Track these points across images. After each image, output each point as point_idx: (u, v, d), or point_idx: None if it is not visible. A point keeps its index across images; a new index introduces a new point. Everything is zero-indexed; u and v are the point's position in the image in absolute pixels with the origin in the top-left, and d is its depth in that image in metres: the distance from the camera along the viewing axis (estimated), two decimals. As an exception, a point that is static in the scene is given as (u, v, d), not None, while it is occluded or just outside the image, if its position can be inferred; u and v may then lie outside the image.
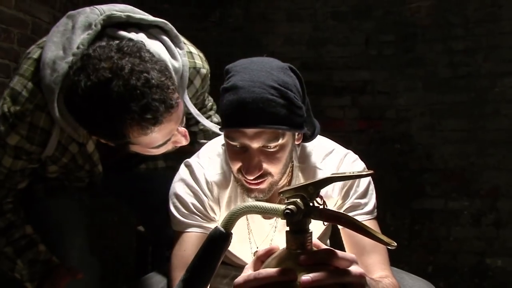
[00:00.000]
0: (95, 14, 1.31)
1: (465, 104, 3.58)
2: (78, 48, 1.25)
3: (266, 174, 1.21)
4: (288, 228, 0.88)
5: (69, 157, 1.41)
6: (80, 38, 1.26)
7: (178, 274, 1.24)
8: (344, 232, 1.32)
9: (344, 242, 1.32)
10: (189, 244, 1.30)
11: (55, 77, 1.24)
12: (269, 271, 0.84)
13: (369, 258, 1.25)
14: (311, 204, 0.86)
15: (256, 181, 1.20)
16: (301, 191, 0.86)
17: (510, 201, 3.48)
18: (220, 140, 1.41)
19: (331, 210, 0.88)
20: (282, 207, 0.85)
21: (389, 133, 3.75)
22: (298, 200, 0.85)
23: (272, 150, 1.18)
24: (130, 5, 1.31)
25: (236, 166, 1.22)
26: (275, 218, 1.37)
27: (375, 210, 1.33)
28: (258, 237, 1.41)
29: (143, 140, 1.23)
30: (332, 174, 1.00)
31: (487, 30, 3.50)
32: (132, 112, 1.12)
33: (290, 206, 0.84)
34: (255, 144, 1.17)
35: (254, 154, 1.18)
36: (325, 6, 3.90)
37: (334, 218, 0.87)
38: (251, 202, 0.88)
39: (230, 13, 3.94)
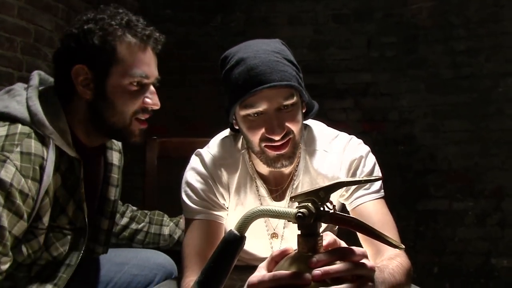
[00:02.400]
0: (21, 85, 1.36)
1: (468, 104, 3.58)
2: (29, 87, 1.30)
3: (289, 132, 1.27)
4: (299, 232, 0.90)
5: (55, 191, 1.27)
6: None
7: (191, 262, 1.30)
8: (352, 213, 1.36)
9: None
10: (200, 231, 1.35)
11: (28, 100, 1.26)
12: (283, 274, 0.86)
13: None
14: (321, 208, 0.88)
15: (281, 142, 1.26)
16: (312, 196, 0.88)
17: (514, 201, 3.48)
18: (228, 132, 1.48)
19: (341, 214, 0.90)
20: (294, 211, 0.87)
21: (392, 135, 3.75)
22: (309, 204, 0.87)
23: (288, 110, 1.26)
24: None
25: (257, 136, 1.27)
26: (287, 202, 1.42)
27: (382, 189, 1.38)
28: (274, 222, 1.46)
29: (138, 54, 1.30)
30: (341, 180, 1.01)
31: (489, 30, 3.50)
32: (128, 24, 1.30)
33: (302, 210, 0.86)
34: (274, 105, 1.24)
35: (274, 115, 1.24)
36: (326, 9, 3.91)
37: (344, 222, 0.89)
38: (264, 206, 0.92)
39: (232, 18, 3.96)
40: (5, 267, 1.11)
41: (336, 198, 1.42)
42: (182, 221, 1.73)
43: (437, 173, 3.64)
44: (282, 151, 1.27)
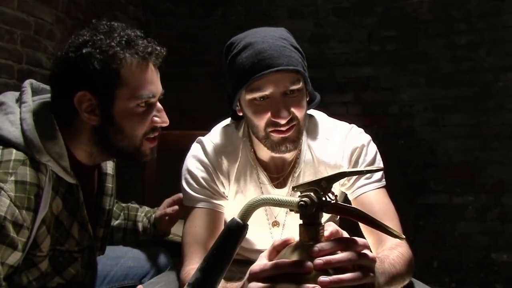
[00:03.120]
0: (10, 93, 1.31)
1: (468, 98, 3.58)
2: (23, 102, 1.24)
3: (294, 118, 1.27)
4: (301, 221, 0.91)
5: (57, 216, 1.25)
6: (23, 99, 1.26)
7: (190, 250, 1.31)
8: (354, 202, 1.38)
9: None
10: (200, 220, 1.36)
11: (26, 124, 1.19)
12: (285, 262, 0.87)
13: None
14: (323, 198, 0.89)
15: (287, 126, 1.26)
16: (314, 186, 0.90)
17: (515, 195, 3.48)
18: (230, 121, 1.48)
19: (343, 204, 0.91)
20: (297, 199, 0.89)
21: (392, 129, 3.75)
22: (312, 193, 0.88)
23: (294, 96, 1.27)
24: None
25: (263, 120, 1.27)
26: (289, 189, 1.42)
27: (384, 178, 1.39)
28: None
29: (142, 74, 1.24)
30: (343, 170, 1.02)
31: (489, 24, 3.49)
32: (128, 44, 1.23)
33: (304, 199, 0.88)
34: (280, 89, 1.25)
35: (281, 99, 1.25)
36: (326, 2, 3.90)
37: (345, 212, 0.90)
38: (267, 195, 0.91)
39: (232, 11, 3.95)
40: None
41: (337, 187, 1.42)
42: (155, 215, 1.70)
43: (437, 168, 3.64)
44: (287, 134, 1.28)
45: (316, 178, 0.90)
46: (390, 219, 1.31)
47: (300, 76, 1.27)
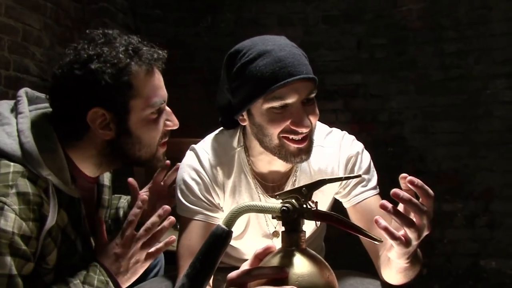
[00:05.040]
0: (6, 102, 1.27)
1: (457, 106, 3.59)
2: (20, 113, 1.19)
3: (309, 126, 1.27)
4: (283, 229, 0.93)
5: (63, 228, 1.21)
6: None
7: (184, 263, 1.29)
8: (352, 210, 1.39)
9: (353, 220, 1.38)
10: (194, 233, 1.34)
11: (23, 135, 1.15)
12: (262, 267, 0.90)
13: None
14: (304, 206, 0.92)
15: (303, 135, 1.26)
16: (295, 193, 0.92)
17: (503, 202, 3.50)
18: (223, 130, 1.47)
19: (322, 210, 0.93)
20: (279, 205, 0.91)
21: (382, 136, 3.76)
22: (293, 200, 0.91)
23: (310, 104, 1.27)
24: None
25: (280, 127, 1.26)
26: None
27: (377, 186, 1.41)
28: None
29: (152, 82, 1.22)
30: (322, 178, 1.04)
31: (478, 32, 3.52)
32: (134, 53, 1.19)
33: (286, 205, 0.90)
34: (301, 97, 1.24)
35: (301, 108, 1.25)
36: (316, 10, 3.91)
37: (326, 218, 0.93)
38: (250, 201, 0.93)
39: (222, 18, 3.95)
40: None
41: (331, 195, 1.43)
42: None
43: (427, 175, 3.65)
44: (302, 145, 1.27)
45: (297, 186, 0.93)
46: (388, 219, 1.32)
47: (315, 84, 1.28)
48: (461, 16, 3.58)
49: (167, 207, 1.26)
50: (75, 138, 1.21)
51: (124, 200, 1.69)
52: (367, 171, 1.41)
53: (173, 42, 3.86)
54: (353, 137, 1.47)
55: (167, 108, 1.30)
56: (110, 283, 1.20)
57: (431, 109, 3.68)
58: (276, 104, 1.23)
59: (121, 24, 3.52)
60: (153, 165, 1.32)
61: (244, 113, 1.31)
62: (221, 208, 1.41)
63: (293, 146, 1.27)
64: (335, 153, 1.42)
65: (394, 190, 0.93)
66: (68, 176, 1.18)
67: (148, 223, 1.25)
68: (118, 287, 1.22)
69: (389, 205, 0.95)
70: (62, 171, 1.17)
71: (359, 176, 1.06)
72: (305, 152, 1.29)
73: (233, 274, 0.90)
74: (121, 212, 1.65)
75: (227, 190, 1.41)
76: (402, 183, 0.95)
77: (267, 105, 1.24)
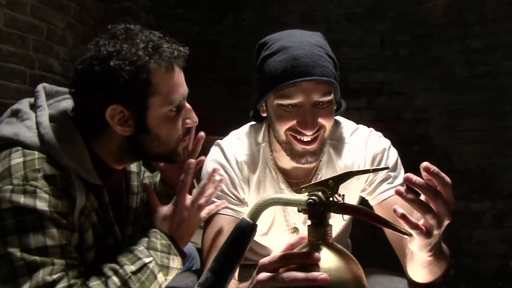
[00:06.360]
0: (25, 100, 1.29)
1: (484, 103, 3.52)
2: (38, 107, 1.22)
3: (320, 128, 1.25)
4: (309, 222, 0.92)
5: (95, 211, 1.23)
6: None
7: (209, 258, 1.29)
8: (377, 207, 1.37)
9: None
10: (220, 228, 1.33)
11: (42, 126, 1.18)
12: (293, 253, 0.90)
13: None
14: (331, 199, 0.90)
15: (311, 137, 1.24)
16: (322, 186, 0.90)
17: (533, 201, 3.41)
18: (249, 124, 1.47)
19: (349, 204, 0.91)
20: (305, 198, 0.89)
21: (406, 135, 3.70)
22: (319, 193, 0.90)
23: (323, 107, 1.24)
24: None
25: (286, 125, 1.25)
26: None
27: (404, 183, 1.35)
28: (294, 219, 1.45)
29: (171, 79, 1.21)
30: (349, 170, 1.02)
31: (505, 27, 3.44)
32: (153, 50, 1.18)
33: (313, 197, 0.88)
34: (310, 99, 1.22)
35: (309, 110, 1.23)
36: (339, 7, 3.89)
37: (353, 211, 0.91)
38: (276, 194, 0.92)
39: (244, 17, 3.95)
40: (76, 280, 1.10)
41: (357, 193, 1.41)
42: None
43: (453, 173, 3.54)
44: (309, 147, 1.26)
45: (324, 178, 0.91)
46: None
47: (332, 87, 1.25)
48: (487, 12, 3.50)
49: (191, 160, 1.33)
50: (96, 133, 1.23)
51: (153, 175, 1.66)
52: (394, 168, 1.37)
53: (195, 41, 3.85)
54: (380, 133, 1.45)
55: (187, 105, 1.29)
56: (172, 246, 1.24)
57: (457, 106, 3.61)
58: (284, 102, 1.23)
59: (143, 23, 3.53)
60: (172, 161, 1.32)
61: (263, 105, 1.32)
62: (246, 203, 1.41)
63: (300, 147, 1.26)
64: (362, 150, 1.39)
65: (407, 174, 0.89)
66: (89, 164, 1.19)
67: (201, 185, 1.31)
68: (180, 249, 1.26)
69: (404, 190, 0.91)
70: (82, 159, 1.18)
71: (387, 168, 1.03)
72: (312, 154, 1.27)
73: (264, 260, 0.89)
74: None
75: (252, 185, 1.40)
76: (423, 173, 0.91)
77: (277, 101, 1.24)
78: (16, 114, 1.23)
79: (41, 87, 1.29)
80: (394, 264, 1.36)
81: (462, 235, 3.55)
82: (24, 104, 1.26)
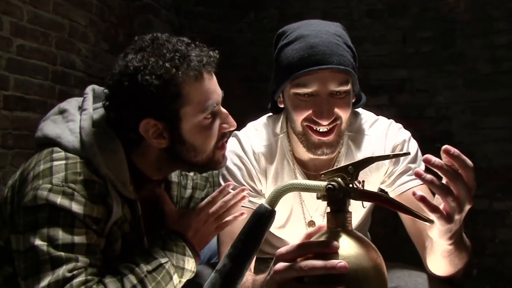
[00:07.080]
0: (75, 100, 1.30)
1: (508, 100, 3.46)
2: (84, 109, 1.23)
3: (337, 118, 1.24)
4: (329, 209, 0.90)
5: (128, 222, 1.24)
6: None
7: (226, 249, 1.27)
8: (397, 199, 1.32)
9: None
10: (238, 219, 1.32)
11: (84, 131, 1.19)
12: (311, 242, 0.87)
13: None
14: (350, 185, 0.88)
15: (327, 127, 1.23)
16: (341, 172, 0.89)
17: (558, 200, 3.34)
18: (266, 117, 1.46)
19: (370, 190, 0.89)
20: (324, 183, 0.88)
21: (429, 132, 3.65)
22: (339, 179, 0.88)
23: (340, 97, 1.23)
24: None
25: (302, 115, 1.24)
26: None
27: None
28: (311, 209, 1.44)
29: (202, 87, 1.18)
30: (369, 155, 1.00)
31: (530, 23, 3.38)
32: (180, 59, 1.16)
33: (332, 183, 0.87)
34: (327, 88, 1.21)
35: (326, 99, 1.22)
36: (360, 4, 3.87)
37: (373, 197, 0.89)
38: (295, 180, 0.93)
39: (265, 14, 3.95)
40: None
41: (377, 185, 1.40)
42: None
43: (476, 171, 3.48)
44: (325, 138, 1.25)
45: (344, 164, 0.89)
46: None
47: (350, 77, 1.23)
48: (512, 7, 3.44)
49: (229, 183, 1.32)
50: (134, 145, 1.23)
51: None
52: (414, 160, 1.35)
53: (216, 38, 3.86)
54: (400, 125, 1.43)
55: (223, 110, 1.26)
56: (187, 248, 1.23)
57: (480, 103, 3.55)
58: (300, 91, 1.22)
59: (164, 21, 3.56)
60: (212, 168, 1.31)
61: (281, 96, 1.32)
62: (263, 194, 1.40)
63: (316, 138, 1.25)
64: (381, 141, 1.38)
65: (426, 155, 0.87)
66: (127, 178, 1.19)
67: (225, 199, 1.29)
68: (195, 252, 1.25)
69: (422, 172, 0.87)
70: (120, 172, 1.18)
71: (408, 153, 1.01)
72: (328, 145, 1.26)
73: (282, 249, 0.88)
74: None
75: (269, 176, 1.40)
76: (443, 157, 0.89)
77: (293, 90, 1.24)
78: (62, 113, 1.25)
79: (90, 89, 1.29)
80: (415, 263, 1.35)
81: (486, 235, 3.49)
82: (72, 104, 1.27)
